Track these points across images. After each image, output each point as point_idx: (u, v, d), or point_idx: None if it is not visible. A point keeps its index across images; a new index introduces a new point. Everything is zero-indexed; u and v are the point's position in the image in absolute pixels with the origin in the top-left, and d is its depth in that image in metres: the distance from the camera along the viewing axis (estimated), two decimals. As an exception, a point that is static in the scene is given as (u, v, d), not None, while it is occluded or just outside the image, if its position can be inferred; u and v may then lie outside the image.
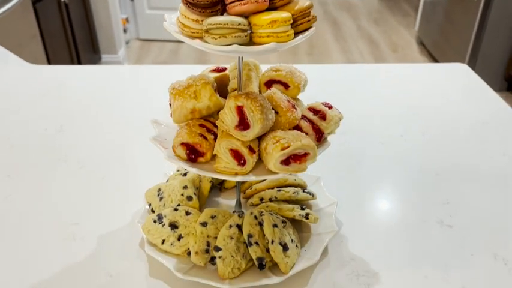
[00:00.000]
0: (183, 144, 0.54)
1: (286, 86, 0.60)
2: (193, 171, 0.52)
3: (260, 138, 0.55)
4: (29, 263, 0.62)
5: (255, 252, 0.58)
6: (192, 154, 0.53)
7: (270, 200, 0.65)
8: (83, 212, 0.71)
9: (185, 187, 0.66)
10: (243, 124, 0.50)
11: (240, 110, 0.51)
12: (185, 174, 0.70)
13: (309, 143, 0.52)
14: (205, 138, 0.54)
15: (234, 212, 0.66)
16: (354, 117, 0.91)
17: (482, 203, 0.73)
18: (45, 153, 0.84)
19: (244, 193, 0.70)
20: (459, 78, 1.13)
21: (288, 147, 0.51)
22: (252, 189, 0.69)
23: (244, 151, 0.52)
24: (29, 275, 0.60)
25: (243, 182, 0.71)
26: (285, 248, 0.58)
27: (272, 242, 0.58)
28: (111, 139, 0.89)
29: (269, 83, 0.60)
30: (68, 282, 0.59)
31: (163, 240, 0.61)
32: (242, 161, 0.52)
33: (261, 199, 0.66)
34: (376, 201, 0.74)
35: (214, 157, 0.54)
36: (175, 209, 0.63)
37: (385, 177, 0.80)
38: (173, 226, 0.61)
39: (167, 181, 0.70)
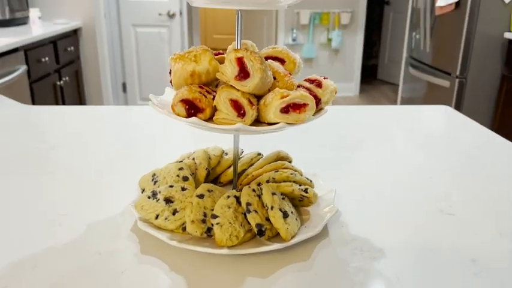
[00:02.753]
0: (182, 101, 0.54)
1: (282, 61, 0.62)
2: (192, 121, 0.52)
3: (259, 98, 0.55)
4: (14, 243, 0.57)
5: (253, 218, 0.55)
6: (192, 109, 0.54)
7: (268, 181, 0.64)
8: (72, 204, 0.68)
9: (181, 169, 0.64)
10: (243, 72, 0.52)
11: (240, 61, 0.52)
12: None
13: (308, 94, 0.53)
14: (205, 96, 0.55)
15: (230, 199, 0.64)
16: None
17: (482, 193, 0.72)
18: (35, 164, 0.82)
19: (241, 185, 0.68)
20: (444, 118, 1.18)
21: (287, 95, 0.52)
22: (248, 177, 0.67)
23: (244, 101, 0.52)
24: (14, 255, 0.55)
25: (239, 175, 0.69)
26: (285, 215, 0.56)
27: (272, 207, 0.55)
28: (102, 159, 0.88)
29: (266, 60, 0.63)
30: (53, 260, 0.54)
31: (157, 216, 0.58)
32: (242, 112, 0.52)
33: (259, 184, 0.65)
34: (374, 192, 0.73)
35: (213, 115, 0.55)
36: (171, 186, 0.60)
37: (384, 169, 0.79)
38: (168, 201, 0.59)
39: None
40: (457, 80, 3.00)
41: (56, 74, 2.86)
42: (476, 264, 0.55)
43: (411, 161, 0.87)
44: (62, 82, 2.90)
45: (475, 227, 0.63)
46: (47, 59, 2.69)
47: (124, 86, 4.02)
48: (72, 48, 3.14)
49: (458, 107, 3.04)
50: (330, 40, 5.01)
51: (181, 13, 3.82)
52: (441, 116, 1.18)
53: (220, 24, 7.91)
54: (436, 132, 1.05)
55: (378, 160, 0.87)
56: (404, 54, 3.88)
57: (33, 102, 2.47)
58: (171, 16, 3.78)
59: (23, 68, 2.35)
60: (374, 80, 5.93)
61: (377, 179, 0.79)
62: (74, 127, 1.05)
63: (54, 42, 2.83)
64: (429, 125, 1.11)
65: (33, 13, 2.83)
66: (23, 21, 2.95)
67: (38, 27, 2.84)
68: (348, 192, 0.72)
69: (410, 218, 0.65)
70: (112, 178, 0.77)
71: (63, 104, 2.88)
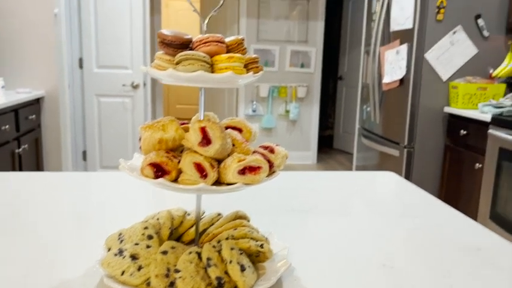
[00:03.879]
0: (151, 164, 0.61)
1: (240, 130, 0.71)
2: (159, 182, 0.58)
3: (220, 161, 0.63)
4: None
5: (213, 272, 0.60)
6: (159, 172, 0.60)
7: (227, 238, 0.69)
8: (35, 266, 0.70)
9: (146, 228, 0.69)
10: (206, 140, 0.60)
11: (203, 130, 0.60)
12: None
13: (261, 159, 0.61)
14: (171, 160, 0.62)
15: (192, 256, 0.68)
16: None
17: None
18: (-1, 228, 0.84)
19: (202, 243, 0.73)
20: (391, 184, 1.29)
21: (244, 159, 0.59)
22: (209, 235, 0.73)
23: (206, 164, 0.60)
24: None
25: (201, 234, 0.74)
26: (242, 268, 0.61)
27: (230, 261, 0.61)
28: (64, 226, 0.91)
29: (225, 129, 0.71)
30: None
31: (123, 272, 0.62)
32: (204, 173, 0.59)
33: (219, 241, 0.70)
34: (325, 250, 0.79)
35: (178, 177, 0.61)
36: (136, 244, 0.65)
37: (334, 230, 0.86)
38: (133, 257, 0.63)
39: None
40: (405, 150, 3.21)
41: (15, 141, 2.85)
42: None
43: (358, 221, 0.95)
44: (20, 150, 2.88)
45: (413, 279, 0.70)
46: (7, 126, 2.69)
47: (84, 154, 4.01)
48: (33, 116, 3.15)
49: (408, 174, 3.22)
50: (287, 111, 5.26)
51: (145, 84, 3.95)
52: (386, 181, 1.29)
53: (183, 95, 8.14)
54: (380, 195, 1.15)
55: (328, 221, 0.95)
56: (357, 126, 4.13)
57: (-10, 169, 2.44)
58: (134, 87, 3.90)
59: (-18, 135, 2.34)
60: (330, 149, 6.19)
61: (328, 238, 0.86)
62: (36, 192, 1.07)
63: (15, 111, 2.85)
64: (375, 189, 1.21)
65: (-4, 82, 2.87)
66: (-15, 89, 2.96)
67: (0, 96, 2.86)
68: (301, 249, 0.79)
69: (356, 272, 0.72)
70: (77, 240, 0.80)
71: (20, 171, 2.84)
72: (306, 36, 5.22)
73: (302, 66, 5.24)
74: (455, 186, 3.08)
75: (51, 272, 0.68)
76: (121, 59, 3.87)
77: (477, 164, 2.83)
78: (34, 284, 0.64)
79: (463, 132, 2.95)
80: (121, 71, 3.89)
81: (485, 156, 2.74)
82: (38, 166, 3.25)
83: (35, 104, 3.26)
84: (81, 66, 3.90)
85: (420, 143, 3.19)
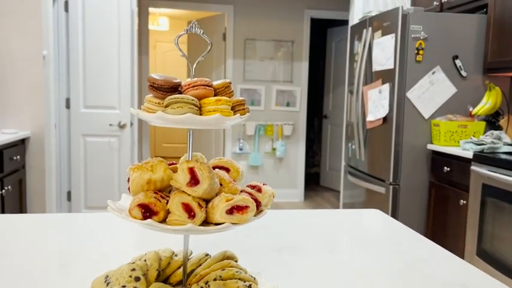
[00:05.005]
0: (139, 205, 0.61)
1: (227, 170, 0.72)
2: (147, 223, 0.59)
3: (207, 201, 0.64)
4: None
5: (202, 313, 0.60)
6: (147, 213, 0.61)
7: (215, 279, 0.69)
8: (20, 311, 0.68)
9: (133, 269, 0.68)
10: (194, 180, 0.61)
11: (191, 170, 0.61)
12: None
13: (249, 198, 0.62)
14: (159, 200, 0.62)
15: (179, 298, 0.68)
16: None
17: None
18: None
19: (190, 284, 0.73)
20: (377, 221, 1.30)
21: (231, 199, 0.61)
22: (197, 276, 0.72)
23: (194, 204, 0.60)
24: None
25: (189, 275, 0.74)
26: (231, 309, 0.61)
27: (219, 302, 0.61)
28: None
29: (213, 169, 0.72)
30: None
31: (109, 315, 0.61)
32: (192, 214, 0.60)
33: (206, 282, 0.70)
34: (313, 286, 0.79)
35: (166, 218, 0.62)
36: (124, 286, 0.64)
37: (321, 266, 0.86)
38: (120, 300, 0.62)
39: (114, 272, 0.72)
40: (391, 187, 3.25)
41: (-1, 182, 2.80)
42: None
43: (345, 259, 0.95)
44: (3, 191, 2.83)
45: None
46: (-10, 167, 2.66)
47: (69, 194, 3.95)
48: (18, 157, 3.12)
49: (394, 211, 3.24)
50: (274, 149, 5.30)
51: (131, 124, 3.96)
52: (372, 219, 1.30)
53: (169, 134, 8.16)
54: (366, 232, 1.16)
55: (316, 258, 0.95)
56: (343, 163, 4.17)
57: (-29, 211, 2.39)
58: (121, 127, 3.91)
59: (-35, 176, 2.30)
60: (317, 186, 6.21)
61: (315, 276, 0.86)
62: (19, 234, 1.06)
63: (0, 151, 2.82)
64: (361, 226, 1.22)
65: (-18, 123, 2.85)
66: (-31, 130, 2.94)
67: (-15, 137, 2.84)
68: (290, 286, 0.79)
69: (345, 311, 0.72)
70: (62, 282, 0.79)
71: (3, 213, 2.78)
72: (291, 76, 5.35)
73: (288, 105, 5.34)
74: (441, 223, 3.09)
75: (35, 317, 0.66)
76: (108, 99, 3.90)
77: (462, 201, 2.87)
78: (17, 329, 0.63)
79: (446, 168, 3.01)
80: (108, 111, 3.91)
81: (469, 193, 2.79)
82: (21, 207, 3.19)
83: (20, 144, 3.24)
84: (68, 106, 3.92)
85: (405, 180, 3.23)
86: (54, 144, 3.52)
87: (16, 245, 0.98)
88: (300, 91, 5.35)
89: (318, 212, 1.35)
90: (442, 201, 3.09)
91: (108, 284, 0.68)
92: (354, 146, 3.87)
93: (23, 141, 3.30)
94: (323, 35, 6.43)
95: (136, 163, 0.67)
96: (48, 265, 0.87)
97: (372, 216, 1.33)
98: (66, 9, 3.84)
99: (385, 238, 1.12)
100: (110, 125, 3.91)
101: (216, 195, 0.64)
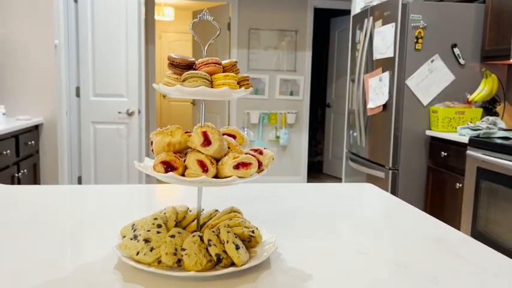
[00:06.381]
0: (161, 162, 0.74)
1: (234, 137, 0.85)
2: (169, 176, 0.72)
3: (218, 160, 0.77)
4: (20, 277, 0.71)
5: (213, 250, 0.73)
6: (168, 168, 0.74)
7: (224, 227, 0.82)
8: (60, 254, 0.82)
9: (155, 218, 0.81)
10: (207, 141, 0.73)
11: (204, 134, 0.74)
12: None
13: (252, 157, 0.75)
14: (178, 159, 0.75)
15: (194, 244, 0.81)
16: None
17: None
18: (28, 228, 0.96)
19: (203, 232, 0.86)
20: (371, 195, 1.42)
21: (238, 157, 0.73)
22: (208, 227, 0.85)
23: (207, 161, 0.73)
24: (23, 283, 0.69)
25: (201, 227, 0.87)
26: (237, 247, 0.74)
27: (227, 241, 0.74)
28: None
29: (222, 135, 0.85)
30: None
31: (138, 252, 0.74)
32: (206, 169, 0.73)
33: (217, 229, 0.83)
34: (309, 241, 0.92)
35: (183, 173, 0.74)
36: (148, 230, 0.77)
37: (318, 226, 0.99)
38: (146, 241, 0.75)
39: (139, 222, 0.85)
40: (390, 172, 3.37)
41: (15, 166, 2.95)
42: None
43: (338, 219, 1.08)
44: (20, 174, 2.98)
45: (383, 264, 0.83)
46: (8, 151, 2.80)
47: (79, 179, 4.10)
48: (32, 142, 3.27)
49: (393, 194, 3.36)
50: (278, 137, 5.43)
51: (139, 111, 4.09)
52: (366, 191, 1.43)
53: (173, 123, 8.29)
54: (360, 201, 1.29)
55: (314, 220, 1.08)
56: (345, 150, 4.29)
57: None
58: (130, 114, 4.05)
59: (-14, 159, 2.45)
60: (320, 174, 6.33)
61: (312, 232, 0.99)
62: (49, 201, 1.19)
63: (16, 137, 2.96)
64: (356, 196, 1.35)
65: (-2, 109, 2.99)
66: (-13, 116, 3.09)
67: (1, 123, 2.98)
68: (287, 241, 0.92)
69: (335, 257, 0.85)
70: (93, 233, 0.92)
71: (20, 195, 2.94)
72: (295, 66, 5.45)
73: (291, 94, 5.45)
74: (438, 206, 3.22)
75: (75, 257, 0.80)
76: (117, 87, 4.03)
77: (458, 184, 2.98)
78: (62, 264, 0.76)
79: (443, 154, 3.12)
80: (117, 99, 4.04)
81: (464, 176, 2.90)
82: (35, 190, 3.34)
83: (34, 130, 3.38)
84: (78, 94, 4.05)
85: (404, 165, 3.35)
86: (65, 130, 3.66)
87: (51, 209, 1.11)
88: (304, 80, 5.46)
89: (318, 185, 1.48)
90: (439, 185, 3.21)
91: (134, 230, 0.81)
92: (355, 133, 3.98)
93: (36, 127, 3.44)
94: (326, 24, 6.51)
95: (158, 129, 0.79)
96: (80, 222, 1.00)
97: (366, 189, 1.45)
98: (76, 0, 3.96)
99: (371, 204, 1.25)
100: (119, 112, 4.04)
101: (225, 155, 0.77)
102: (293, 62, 5.44)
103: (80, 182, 4.10)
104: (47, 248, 0.84)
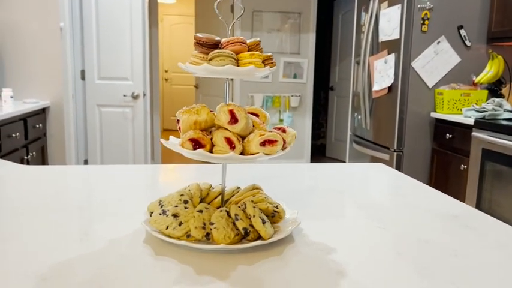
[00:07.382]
0: (190, 139, 0.76)
1: (257, 115, 0.87)
2: (198, 153, 0.74)
3: (244, 138, 0.79)
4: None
5: (241, 224, 0.75)
6: (196, 145, 0.76)
7: (248, 203, 0.85)
8: (91, 228, 0.85)
9: (182, 195, 0.84)
10: (234, 119, 0.75)
11: (231, 112, 0.76)
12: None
13: (277, 134, 0.77)
14: (205, 136, 0.77)
15: (218, 219, 0.83)
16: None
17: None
18: (58, 202, 0.99)
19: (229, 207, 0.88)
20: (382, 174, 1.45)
21: (264, 134, 0.75)
22: (232, 203, 0.88)
23: (234, 138, 0.75)
24: (57, 257, 0.72)
25: (225, 203, 0.90)
26: (263, 221, 0.76)
27: (254, 216, 0.76)
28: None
29: (245, 114, 0.87)
30: (85, 262, 0.71)
31: (167, 227, 0.77)
32: (233, 146, 0.75)
33: (243, 204, 0.85)
34: (329, 216, 0.95)
35: (211, 150, 0.77)
36: (176, 206, 0.80)
37: (335, 201, 1.01)
38: (175, 216, 0.78)
39: (165, 199, 0.88)
40: (395, 154, 3.39)
41: (24, 149, 2.97)
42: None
43: (354, 196, 1.11)
44: (29, 157, 3.01)
45: (403, 238, 0.86)
46: (17, 134, 2.82)
47: (86, 162, 4.13)
48: (40, 125, 3.29)
49: (398, 176, 3.39)
50: (281, 120, 5.44)
51: (144, 94, 4.10)
52: (376, 170, 1.45)
53: (176, 107, 8.30)
54: (370, 179, 1.31)
55: (327, 198, 1.11)
56: (349, 133, 4.31)
57: None
58: (135, 97, 4.06)
59: (-4, 141, 2.47)
60: (323, 157, 6.36)
61: (329, 209, 1.02)
62: (74, 179, 1.22)
63: (24, 120, 2.98)
64: (367, 175, 1.37)
65: (6, 92, 3.00)
66: (-6, 100, 3.10)
67: (10, 106, 3.00)
68: (307, 216, 0.94)
69: (354, 230, 0.88)
70: (119, 210, 0.95)
71: (29, 177, 2.97)
72: (298, 48, 5.43)
73: (295, 76, 5.44)
74: (443, 187, 3.25)
75: (104, 232, 0.82)
76: (122, 71, 4.03)
77: (463, 166, 3.01)
78: (93, 240, 0.79)
79: (448, 135, 3.14)
80: (122, 82, 4.04)
81: (469, 158, 2.93)
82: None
83: (41, 113, 3.40)
84: (83, 77, 4.05)
85: (409, 147, 3.37)
86: (72, 113, 3.68)
87: (73, 187, 1.14)
88: (307, 63, 5.45)
89: (328, 165, 1.50)
90: (444, 167, 3.24)
91: (161, 206, 0.84)
92: (359, 116, 3.99)
93: (43, 111, 3.46)
94: (330, 6, 6.46)
95: (184, 107, 0.81)
96: (106, 199, 1.03)
97: (377, 168, 1.48)
98: (79, -18, 3.93)
99: (385, 182, 1.27)
100: (124, 95, 4.05)
101: (250, 133, 0.79)
102: (297, 45, 5.42)
103: (86, 164, 4.13)
104: (76, 224, 0.87)
